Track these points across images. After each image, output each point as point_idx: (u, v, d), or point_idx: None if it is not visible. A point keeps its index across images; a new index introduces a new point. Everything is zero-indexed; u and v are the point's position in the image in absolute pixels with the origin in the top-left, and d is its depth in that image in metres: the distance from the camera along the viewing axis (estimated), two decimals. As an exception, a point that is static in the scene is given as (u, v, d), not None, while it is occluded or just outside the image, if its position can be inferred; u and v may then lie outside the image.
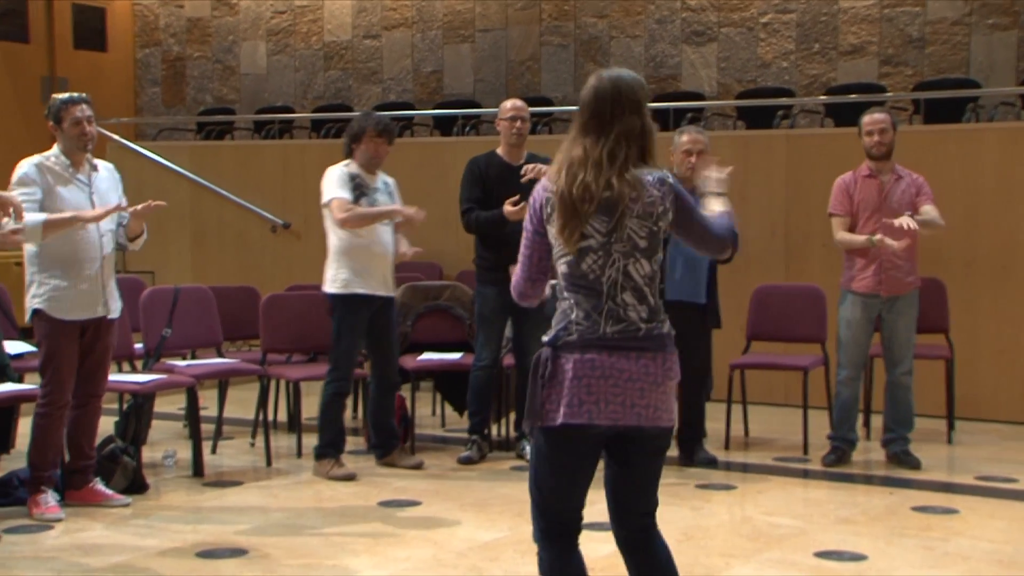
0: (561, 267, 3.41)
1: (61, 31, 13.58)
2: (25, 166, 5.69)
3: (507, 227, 6.55)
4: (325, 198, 6.58)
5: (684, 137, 6.86)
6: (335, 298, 6.59)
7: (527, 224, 3.49)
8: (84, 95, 5.86)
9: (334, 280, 6.58)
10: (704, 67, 11.40)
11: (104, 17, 14.11)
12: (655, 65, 11.60)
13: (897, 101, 9.94)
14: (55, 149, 5.79)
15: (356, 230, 6.52)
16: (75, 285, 5.69)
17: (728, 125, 10.75)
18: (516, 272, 3.52)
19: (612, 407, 3.34)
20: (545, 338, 3.43)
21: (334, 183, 6.57)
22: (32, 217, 5.40)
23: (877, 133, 6.79)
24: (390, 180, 6.80)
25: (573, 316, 3.38)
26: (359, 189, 6.57)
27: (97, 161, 5.95)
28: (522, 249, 3.50)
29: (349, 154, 6.66)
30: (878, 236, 6.61)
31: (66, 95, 5.85)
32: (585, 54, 11.87)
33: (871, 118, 6.85)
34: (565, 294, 3.41)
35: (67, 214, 5.57)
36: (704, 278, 6.84)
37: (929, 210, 6.70)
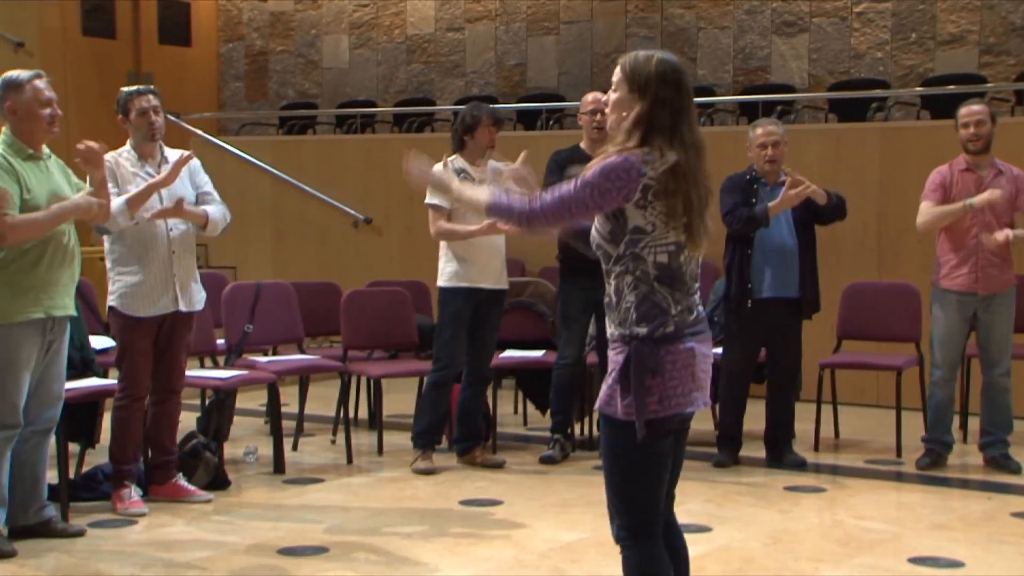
0: (659, 257, 3.29)
1: (147, 27, 13.77)
2: None
3: None
4: (426, 200, 6.58)
5: (758, 131, 6.78)
6: (441, 290, 6.69)
7: (593, 192, 3.30)
8: (150, 86, 5.98)
9: (442, 272, 6.68)
10: (795, 59, 11.18)
11: (189, 12, 14.27)
12: (744, 57, 11.41)
13: (999, 92, 9.64)
14: (127, 144, 5.89)
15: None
16: (143, 280, 5.72)
17: (819, 118, 10.55)
18: (540, 203, 3.40)
19: (704, 392, 3.39)
20: (641, 331, 3.28)
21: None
22: (116, 202, 5.51)
23: (973, 125, 6.58)
24: (501, 165, 6.73)
25: (668, 308, 3.30)
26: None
27: (168, 151, 5.96)
28: (569, 200, 3.35)
29: (460, 146, 6.67)
30: (977, 198, 6.40)
31: (132, 87, 5.95)
32: (672, 46, 11.67)
33: (967, 110, 6.64)
34: (655, 285, 3.29)
35: (141, 186, 5.66)
36: (796, 271, 6.70)
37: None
